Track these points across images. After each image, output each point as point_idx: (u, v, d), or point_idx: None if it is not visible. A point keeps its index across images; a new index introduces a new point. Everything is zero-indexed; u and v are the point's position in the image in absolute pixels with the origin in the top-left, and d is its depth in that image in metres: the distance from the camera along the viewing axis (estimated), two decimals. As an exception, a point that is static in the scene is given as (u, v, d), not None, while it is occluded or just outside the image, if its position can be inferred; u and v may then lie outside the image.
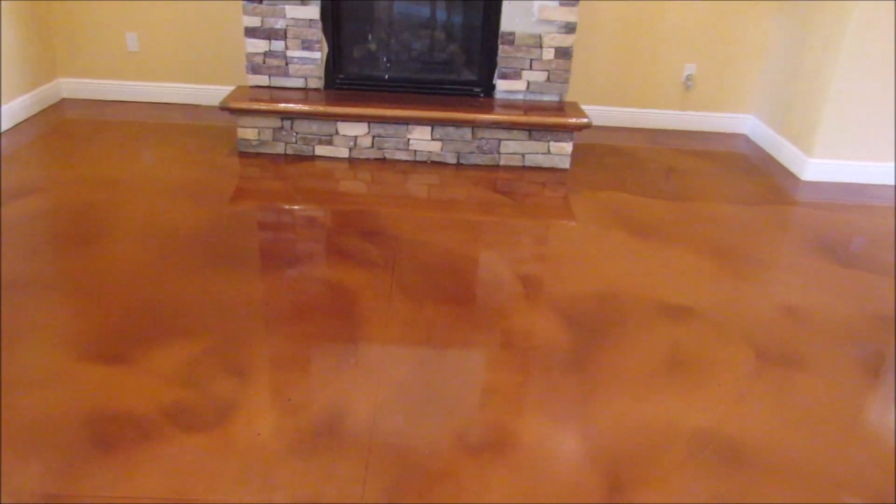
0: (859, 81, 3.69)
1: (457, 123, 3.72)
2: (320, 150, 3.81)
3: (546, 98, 3.96)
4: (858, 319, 2.55)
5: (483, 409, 1.97)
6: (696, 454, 1.85)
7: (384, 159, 3.82)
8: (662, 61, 4.48)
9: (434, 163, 3.83)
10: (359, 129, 3.75)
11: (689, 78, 4.50)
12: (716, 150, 4.32)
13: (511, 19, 3.78)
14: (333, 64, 3.92)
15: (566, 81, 3.92)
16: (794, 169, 4.01)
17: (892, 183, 3.92)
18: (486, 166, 3.82)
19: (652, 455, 1.84)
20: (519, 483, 1.72)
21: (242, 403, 1.93)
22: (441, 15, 4.06)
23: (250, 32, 3.78)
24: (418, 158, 3.83)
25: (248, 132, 3.76)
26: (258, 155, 3.78)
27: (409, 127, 3.75)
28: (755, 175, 3.94)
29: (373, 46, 4.05)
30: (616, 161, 4.03)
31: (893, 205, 3.64)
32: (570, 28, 3.79)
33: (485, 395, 2.03)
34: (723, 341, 2.36)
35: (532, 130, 3.76)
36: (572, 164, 3.89)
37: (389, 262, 2.75)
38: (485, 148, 3.80)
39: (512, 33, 3.80)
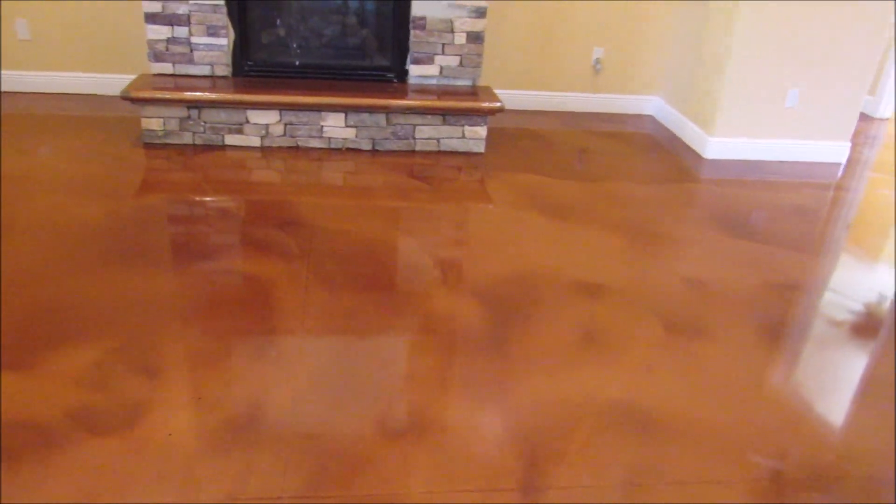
0: (752, 66, 3.88)
1: (371, 109, 3.70)
2: (230, 140, 3.71)
3: (459, 83, 3.98)
4: (758, 289, 2.70)
5: (402, 394, 1.98)
6: (611, 426, 1.92)
7: (297, 147, 3.76)
8: (572, 45, 4.57)
9: (349, 150, 3.79)
10: (270, 117, 3.67)
11: (597, 61, 4.61)
12: (624, 131, 4.46)
13: (422, 4, 3.77)
14: (241, 50, 3.82)
15: (478, 66, 3.95)
16: (696, 147, 4.19)
17: (786, 159, 4.15)
18: (402, 152, 3.81)
19: (568, 430, 1.90)
20: (439, 467, 1.75)
21: (154, 403, 1.87)
22: (351, -1, 4.02)
23: (151, 18, 3.63)
24: (333, 146, 3.78)
25: (152, 122, 3.62)
26: (165, 146, 3.64)
27: (323, 114, 3.69)
28: (661, 154, 4.09)
29: (282, 32, 3.96)
30: (530, 144, 4.10)
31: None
32: (480, 12, 3.81)
33: (404, 381, 2.04)
34: (633, 316, 2.46)
35: (446, 115, 3.77)
36: (487, 147, 3.94)
37: (305, 251, 2.71)
38: (400, 133, 3.79)
39: (423, 18, 3.80)
